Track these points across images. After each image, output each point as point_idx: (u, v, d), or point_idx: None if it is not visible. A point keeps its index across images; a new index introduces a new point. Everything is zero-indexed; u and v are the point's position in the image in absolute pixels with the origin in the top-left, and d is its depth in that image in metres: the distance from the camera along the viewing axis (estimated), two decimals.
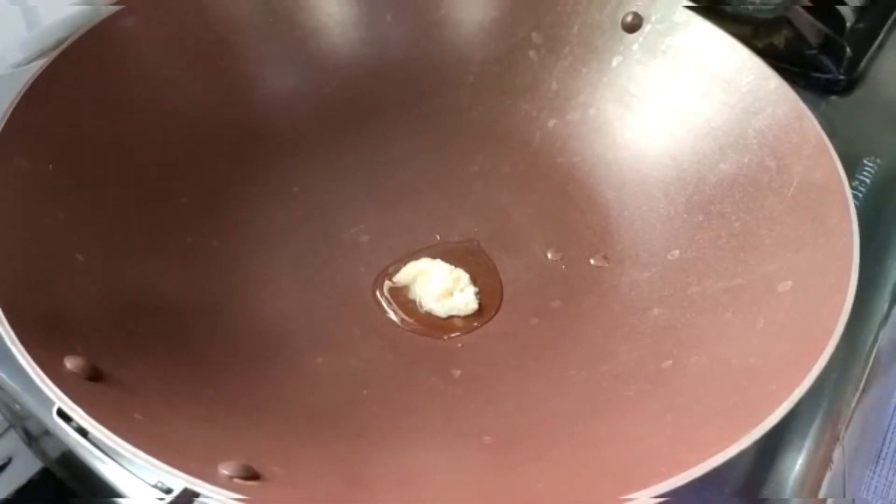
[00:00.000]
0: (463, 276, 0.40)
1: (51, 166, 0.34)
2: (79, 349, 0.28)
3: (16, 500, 0.53)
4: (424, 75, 0.46)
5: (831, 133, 0.36)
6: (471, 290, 0.39)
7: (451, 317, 0.39)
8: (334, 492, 0.28)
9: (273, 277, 0.39)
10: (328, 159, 0.44)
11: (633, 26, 0.43)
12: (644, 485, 0.25)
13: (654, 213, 0.41)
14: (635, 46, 0.43)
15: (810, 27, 0.50)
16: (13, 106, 0.34)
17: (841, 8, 0.54)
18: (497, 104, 0.46)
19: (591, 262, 0.41)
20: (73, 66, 0.37)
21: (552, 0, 0.44)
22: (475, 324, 0.38)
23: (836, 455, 0.37)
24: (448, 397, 0.35)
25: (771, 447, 0.35)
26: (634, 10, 0.43)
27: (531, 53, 0.45)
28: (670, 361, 0.34)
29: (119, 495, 0.33)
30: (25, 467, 0.53)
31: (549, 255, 0.41)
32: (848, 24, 0.54)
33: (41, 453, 0.51)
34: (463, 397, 0.35)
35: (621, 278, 0.40)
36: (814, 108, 0.37)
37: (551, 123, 0.45)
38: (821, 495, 0.35)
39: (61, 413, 0.26)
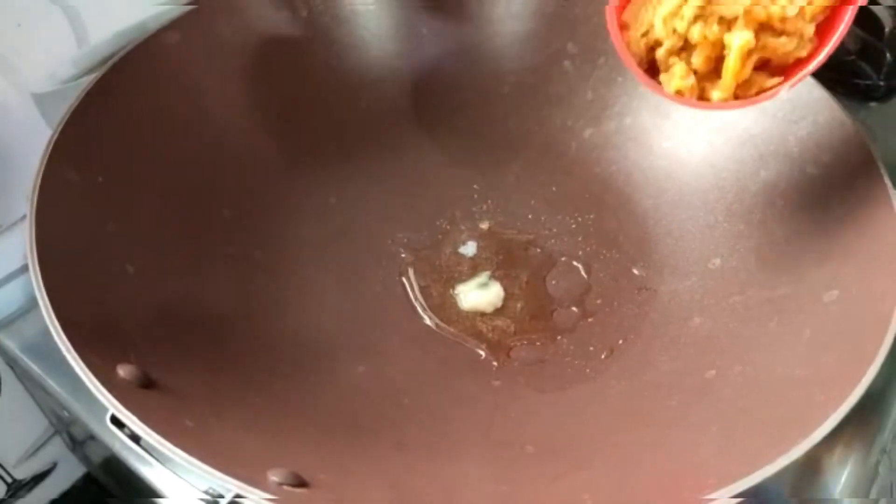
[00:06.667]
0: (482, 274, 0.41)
1: (100, 179, 0.35)
2: (130, 357, 0.29)
3: None
4: (460, 87, 0.46)
5: (871, 140, 0.36)
6: (496, 288, 0.40)
7: (476, 311, 0.39)
8: (379, 500, 0.28)
9: (313, 287, 0.40)
10: (365, 171, 0.45)
11: None
12: (691, 495, 0.25)
13: (693, 221, 0.41)
14: None
15: (848, 32, 0.49)
16: (64, 120, 0.35)
17: (877, 10, 0.53)
18: (533, 115, 0.46)
19: (629, 270, 0.41)
20: (121, 82, 0.38)
21: (587, 11, 0.44)
22: (513, 333, 0.39)
23: (883, 467, 0.36)
24: (489, 406, 0.35)
25: (817, 458, 0.34)
26: None
27: (566, 64, 0.45)
28: (713, 371, 0.33)
29: None
30: (69, 473, 0.54)
31: (586, 265, 0.41)
32: (886, 29, 0.53)
33: (85, 459, 0.52)
34: (503, 406, 0.35)
35: (660, 287, 0.40)
36: (853, 114, 0.37)
37: (587, 133, 0.45)
38: None
39: (114, 420, 0.26)
